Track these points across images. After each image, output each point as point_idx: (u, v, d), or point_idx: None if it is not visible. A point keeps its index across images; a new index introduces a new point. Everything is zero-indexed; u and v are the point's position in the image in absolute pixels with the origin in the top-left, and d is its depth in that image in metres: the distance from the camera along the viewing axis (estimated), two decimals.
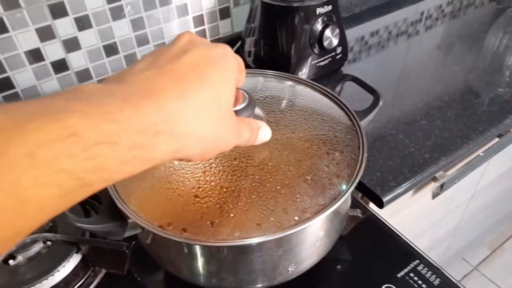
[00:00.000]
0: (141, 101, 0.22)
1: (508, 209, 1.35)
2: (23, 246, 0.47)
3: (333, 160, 0.40)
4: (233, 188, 0.37)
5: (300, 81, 0.50)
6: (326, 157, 0.40)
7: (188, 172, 0.38)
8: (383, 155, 0.62)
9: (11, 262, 0.47)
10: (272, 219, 0.35)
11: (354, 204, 0.55)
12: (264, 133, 0.34)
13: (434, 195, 0.73)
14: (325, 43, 0.74)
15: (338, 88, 0.54)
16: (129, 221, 0.37)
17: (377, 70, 0.86)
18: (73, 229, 0.49)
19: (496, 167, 0.94)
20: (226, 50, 0.28)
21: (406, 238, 0.51)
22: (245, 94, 0.34)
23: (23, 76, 0.69)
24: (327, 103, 0.47)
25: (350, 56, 0.85)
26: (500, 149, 0.74)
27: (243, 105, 0.33)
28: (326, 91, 0.48)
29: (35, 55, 0.68)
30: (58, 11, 0.66)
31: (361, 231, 0.50)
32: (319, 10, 0.72)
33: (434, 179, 0.65)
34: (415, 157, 0.61)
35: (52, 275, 0.46)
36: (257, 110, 0.39)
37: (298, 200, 0.36)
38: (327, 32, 0.73)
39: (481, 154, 0.71)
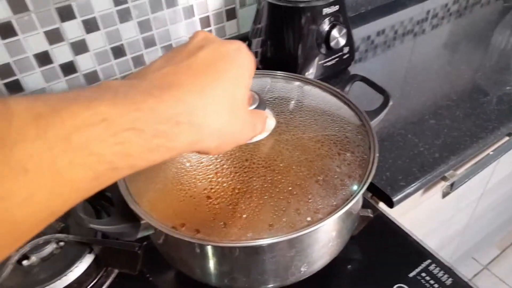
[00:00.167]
0: (162, 94, 0.23)
1: None
2: (36, 247, 0.48)
3: (345, 161, 0.40)
4: (245, 189, 0.37)
5: (309, 82, 0.50)
6: (337, 157, 0.40)
7: (200, 173, 0.38)
8: (392, 154, 0.61)
9: (24, 262, 0.47)
10: (284, 219, 0.35)
11: (364, 204, 0.54)
12: (270, 122, 0.36)
13: (444, 194, 0.73)
14: (332, 43, 0.74)
15: (347, 88, 0.54)
16: (142, 222, 0.37)
17: (384, 69, 0.86)
18: (85, 230, 0.49)
19: (506, 166, 0.94)
20: (241, 46, 0.29)
21: (417, 237, 0.51)
22: (255, 95, 0.35)
23: (32, 79, 0.69)
24: (336, 103, 0.47)
25: (356, 55, 0.85)
26: (510, 147, 0.74)
27: (254, 106, 0.34)
28: (335, 91, 0.48)
29: (44, 58, 0.68)
30: (66, 14, 0.66)
31: (371, 231, 0.50)
32: (326, 11, 0.71)
33: (444, 178, 0.65)
34: (425, 157, 0.61)
35: (65, 275, 0.46)
36: (268, 111, 0.39)
37: (310, 201, 0.36)
38: (334, 32, 0.73)
39: (491, 153, 0.71)
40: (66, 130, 0.18)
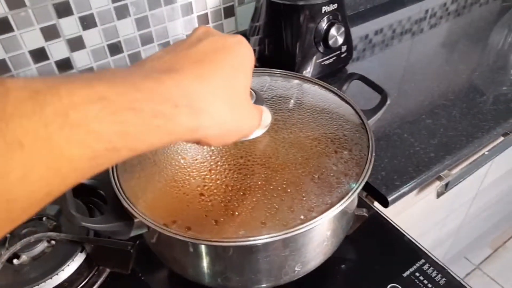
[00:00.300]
0: (161, 76, 0.23)
1: (511, 208, 1.35)
2: (28, 246, 0.47)
3: (341, 159, 0.40)
4: (238, 187, 0.37)
5: (307, 80, 0.50)
6: (334, 156, 0.40)
7: (194, 171, 0.38)
8: (388, 154, 0.61)
9: (15, 261, 0.46)
10: (277, 218, 0.35)
11: (359, 203, 0.54)
12: (266, 118, 0.36)
13: (439, 194, 0.73)
14: (330, 42, 0.74)
15: (344, 87, 0.54)
16: (135, 220, 0.37)
17: (381, 68, 0.86)
18: (77, 228, 0.49)
19: (500, 166, 0.94)
20: (241, 39, 0.29)
21: (411, 237, 0.51)
22: (252, 91, 0.35)
23: (27, 75, 0.69)
24: (335, 102, 0.47)
25: (354, 54, 0.85)
26: (505, 148, 0.74)
27: (251, 101, 0.33)
28: (333, 89, 0.48)
29: (40, 54, 0.68)
30: (63, 10, 0.66)
31: (366, 230, 0.50)
32: (325, 9, 0.71)
33: (439, 178, 0.65)
34: (420, 156, 0.61)
35: (57, 274, 0.46)
36: (264, 108, 0.39)
37: (304, 199, 0.36)
38: (333, 31, 0.73)
39: (486, 153, 0.71)
40: (63, 106, 0.18)
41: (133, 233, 0.38)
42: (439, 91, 0.75)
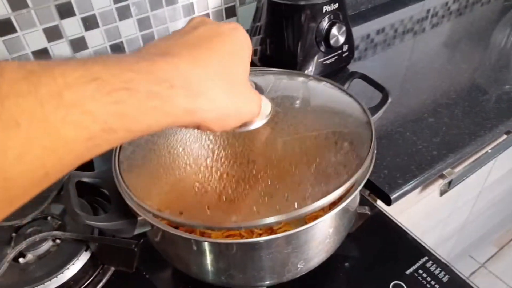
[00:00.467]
0: (156, 58, 0.23)
1: None
2: (33, 245, 0.47)
3: (342, 152, 0.40)
4: (233, 174, 0.36)
5: (311, 77, 0.50)
6: (334, 149, 0.40)
7: (192, 158, 0.38)
8: (391, 152, 0.61)
9: (21, 260, 0.47)
10: (270, 205, 0.34)
11: (362, 201, 0.54)
12: (265, 105, 0.36)
13: (442, 192, 0.72)
14: (332, 41, 0.74)
15: (346, 86, 0.54)
16: (139, 218, 0.37)
17: (383, 68, 0.86)
18: (82, 227, 0.49)
19: (503, 164, 0.94)
20: (237, 26, 0.29)
21: (414, 235, 0.51)
22: (252, 82, 0.35)
23: None
24: (338, 98, 0.47)
25: (355, 54, 0.85)
26: (508, 146, 0.74)
27: None
28: (339, 86, 0.48)
29: (43, 55, 0.68)
30: (66, 11, 0.67)
31: (369, 228, 0.50)
32: (326, 8, 0.71)
33: (442, 176, 0.65)
34: (423, 154, 0.61)
35: (62, 273, 0.46)
36: (264, 97, 0.39)
37: (300, 187, 0.36)
38: (334, 30, 0.73)
39: (489, 151, 0.71)
40: (57, 87, 0.18)
41: (137, 231, 0.38)
42: (441, 90, 0.75)
